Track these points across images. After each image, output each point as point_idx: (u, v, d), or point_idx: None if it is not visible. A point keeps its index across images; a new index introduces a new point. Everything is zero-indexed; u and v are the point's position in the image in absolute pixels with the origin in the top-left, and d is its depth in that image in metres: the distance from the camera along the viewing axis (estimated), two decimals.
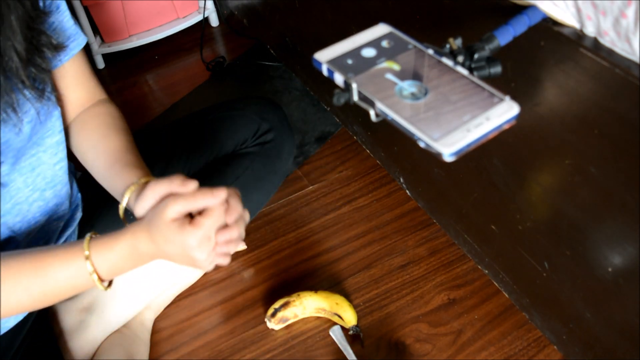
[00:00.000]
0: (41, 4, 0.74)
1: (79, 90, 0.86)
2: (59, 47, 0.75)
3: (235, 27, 1.85)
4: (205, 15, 1.83)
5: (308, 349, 1.05)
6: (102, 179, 0.82)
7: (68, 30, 0.80)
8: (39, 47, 0.71)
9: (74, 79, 0.84)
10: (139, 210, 0.68)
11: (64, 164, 0.85)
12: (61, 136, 0.83)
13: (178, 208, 0.63)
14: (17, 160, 0.77)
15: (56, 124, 0.81)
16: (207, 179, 1.01)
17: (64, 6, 0.79)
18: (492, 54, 0.58)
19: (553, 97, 0.68)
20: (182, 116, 1.10)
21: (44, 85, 0.73)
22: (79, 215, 0.93)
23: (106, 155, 0.81)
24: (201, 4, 1.82)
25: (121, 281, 1.00)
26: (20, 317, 0.86)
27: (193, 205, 0.64)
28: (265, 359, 1.05)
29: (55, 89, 0.80)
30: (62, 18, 0.79)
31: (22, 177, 0.79)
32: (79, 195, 0.94)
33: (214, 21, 1.89)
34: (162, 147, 1.04)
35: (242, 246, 1.21)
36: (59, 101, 0.84)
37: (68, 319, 0.98)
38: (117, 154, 0.81)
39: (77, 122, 0.87)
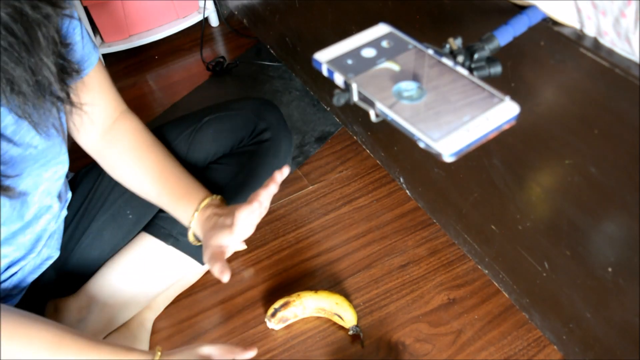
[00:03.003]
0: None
1: (102, 101, 0.90)
2: (79, 71, 0.79)
3: (235, 27, 1.85)
4: (205, 15, 1.83)
5: (308, 349, 1.05)
6: (151, 200, 0.94)
7: (84, 54, 0.83)
8: (63, 69, 0.74)
9: (95, 91, 0.87)
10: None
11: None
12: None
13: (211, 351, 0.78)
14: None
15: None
16: (206, 178, 1.01)
17: (78, 36, 0.81)
18: (492, 54, 0.58)
19: (553, 97, 0.68)
20: (179, 116, 1.10)
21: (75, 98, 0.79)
22: (64, 213, 0.94)
23: (152, 184, 0.92)
24: (201, 4, 1.82)
25: (121, 281, 1.00)
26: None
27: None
28: (265, 359, 1.05)
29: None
30: (77, 47, 0.81)
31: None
32: (69, 193, 0.96)
33: (214, 21, 1.89)
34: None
35: (242, 246, 1.21)
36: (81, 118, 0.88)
37: (67, 318, 0.98)
38: (161, 182, 0.92)
39: (108, 145, 0.92)
